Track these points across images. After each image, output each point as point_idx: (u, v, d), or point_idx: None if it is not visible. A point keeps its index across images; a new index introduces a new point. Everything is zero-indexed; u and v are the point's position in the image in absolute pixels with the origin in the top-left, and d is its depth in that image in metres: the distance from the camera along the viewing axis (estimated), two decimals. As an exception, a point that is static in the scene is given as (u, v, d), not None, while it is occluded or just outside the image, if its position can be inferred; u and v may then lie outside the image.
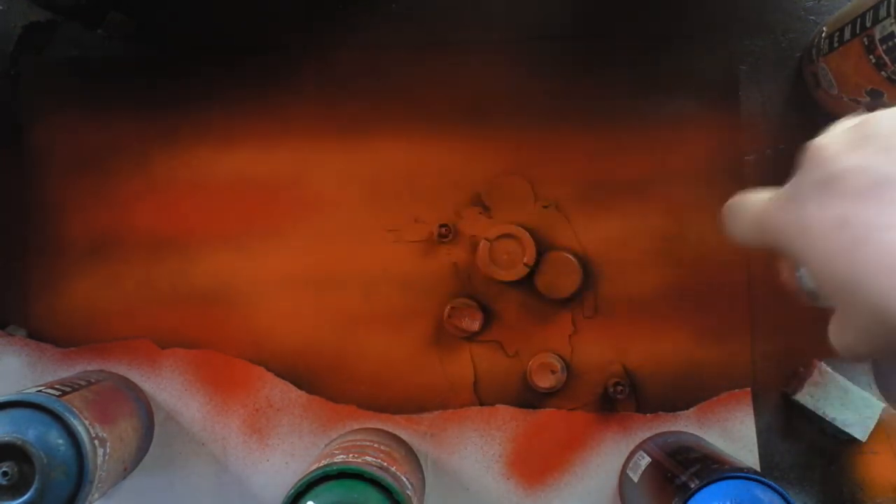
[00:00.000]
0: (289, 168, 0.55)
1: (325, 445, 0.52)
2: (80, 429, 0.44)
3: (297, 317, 0.54)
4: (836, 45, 0.49)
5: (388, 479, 0.42)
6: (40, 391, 0.45)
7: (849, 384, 0.52)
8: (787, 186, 0.28)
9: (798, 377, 0.53)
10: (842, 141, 0.27)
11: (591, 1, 0.55)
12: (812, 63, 0.52)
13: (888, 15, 0.43)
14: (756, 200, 0.30)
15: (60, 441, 0.43)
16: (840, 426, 0.52)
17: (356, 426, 0.53)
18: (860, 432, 0.52)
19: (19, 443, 0.42)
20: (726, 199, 0.33)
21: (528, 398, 0.53)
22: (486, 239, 0.52)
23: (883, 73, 0.45)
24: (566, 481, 0.53)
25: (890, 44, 0.43)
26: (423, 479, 0.51)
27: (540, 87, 0.54)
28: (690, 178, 0.54)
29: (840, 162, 0.26)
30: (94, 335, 0.55)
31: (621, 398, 0.52)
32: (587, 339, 0.54)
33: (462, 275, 0.54)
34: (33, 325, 0.55)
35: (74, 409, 0.44)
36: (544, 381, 0.52)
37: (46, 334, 0.55)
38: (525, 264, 0.52)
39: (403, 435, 0.53)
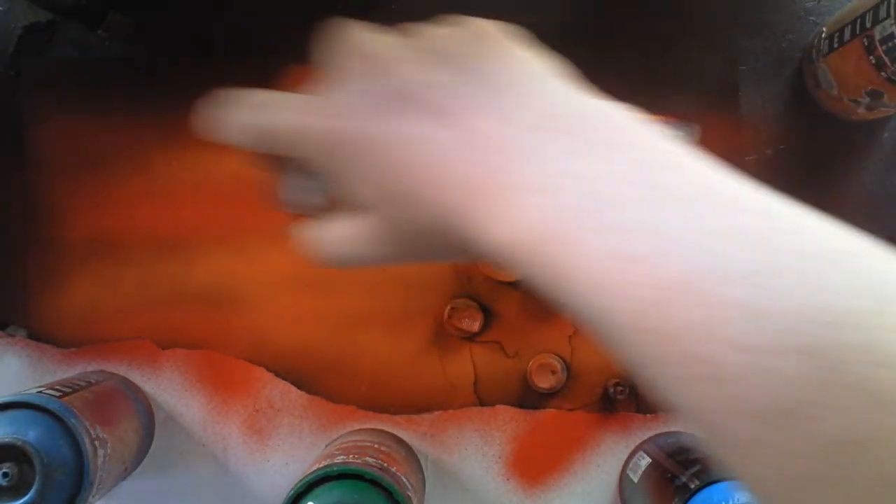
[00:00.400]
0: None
1: (326, 446, 0.52)
2: (81, 430, 0.44)
3: (298, 317, 0.54)
4: (836, 45, 0.49)
5: (389, 480, 0.42)
6: (40, 392, 0.45)
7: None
8: (332, 94, 0.26)
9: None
10: (405, 54, 0.25)
11: (590, 1, 0.55)
12: (812, 63, 0.52)
13: (888, 15, 0.43)
14: (282, 101, 0.27)
15: (61, 442, 0.43)
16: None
17: (356, 427, 0.53)
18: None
19: (19, 444, 0.42)
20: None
21: (528, 398, 0.53)
22: (486, 239, 0.52)
23: (883, 73, 0.45)
24: (566, 482, 0.53)
25: (890, 44, 0.43)
26: (423, 480, 0.51)
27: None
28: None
29: (416, 77, 0.24)
30: (94, 336, 0.55)
31: (621, 398, 0.52)
32: (587, 339, 0.54)
33: (462, 275, 0.54)
34: (33, 326, 0.55)
35: (75, 410, 0.44)
36: (544, 382, 0.52)
37: (47, 335, 0.55)
38: (525, 265, 0.52)
39: (403, 435, 0.53)
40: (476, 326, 0.53)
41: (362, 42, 0.27)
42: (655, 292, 0.18)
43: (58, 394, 0.45)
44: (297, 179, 0.29)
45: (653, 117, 0.28)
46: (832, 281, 0.17)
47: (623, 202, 0.19)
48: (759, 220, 0.19)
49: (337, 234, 0.27)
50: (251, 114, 0.28)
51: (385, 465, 0.44)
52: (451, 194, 0.23)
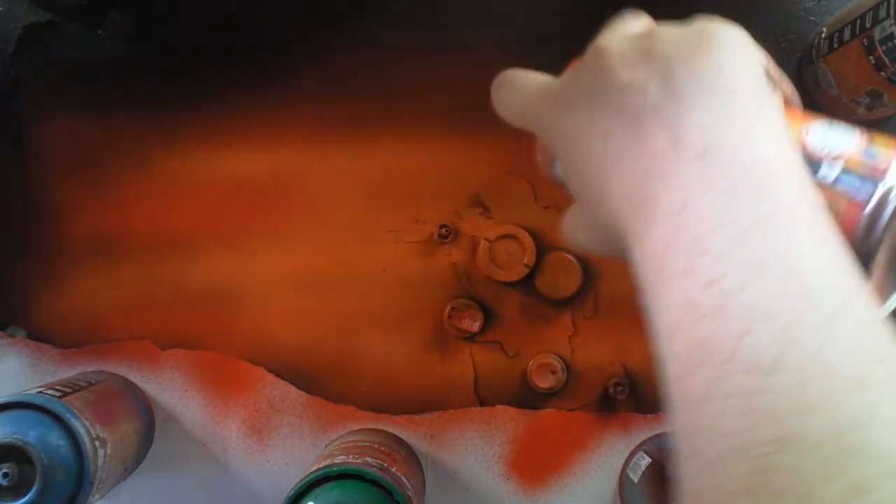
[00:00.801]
0: (289, 168, 0.55)
1: (326, 446, 0.52)
2: (81, 430, 0.44)
3: (298, 317, 0.54)
4: (835, 45, 0.49)
5: (389, 480, 0.42)
6: (41, 392, 0.45)
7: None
8: (562, 80, 0.28)
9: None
10: (625, 51, 0.26)
11: (591, 1, 0.55)
12: (812, 63, 0.52)
13: (888, 16, 0.43)
14: (528, 83, 0.30)
15: (61, 442, 0.43)
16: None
17: (356, 427, 0.53)
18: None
19: (20, 444, 0.42)
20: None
21: (528, 398, 0.53)
22: (486, 239, 0.52)
23: (882, 73, 0.45)
24: (566, 482, 0.53)
25: (889, 44, 0.43)
26: (423, 480, 0.51)
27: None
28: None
29: (618, 75, 0.25)
30: (94, 336, 0.55)
31: (621, 398, 0.52)
32: (587, 339, 0.54)
33: (462, 275, 0.54)
34: (34, 326, 0.55)
35: (75, 410, 0.44)
36: (544, 382, 0.52)
37: (47, 335, 0.55)
38: (525, 265, 0.52)
39: (403, 435, 0.53)
40: (476, 326, 0.53)
41: (605, 35, 0.28)
42: (688, 359, 0.21)
43: (58, 394, 0.45)
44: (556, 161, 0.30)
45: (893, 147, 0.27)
46: None
47: (723, 260, 0.21)
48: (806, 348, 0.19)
49: (567, 220, 0.30)
50: (507, 93, 0.30)
51: (385, 465, 0.44)
52: (618, 203, 0.24)
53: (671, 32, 0.26)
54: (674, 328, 0.22)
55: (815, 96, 0.53)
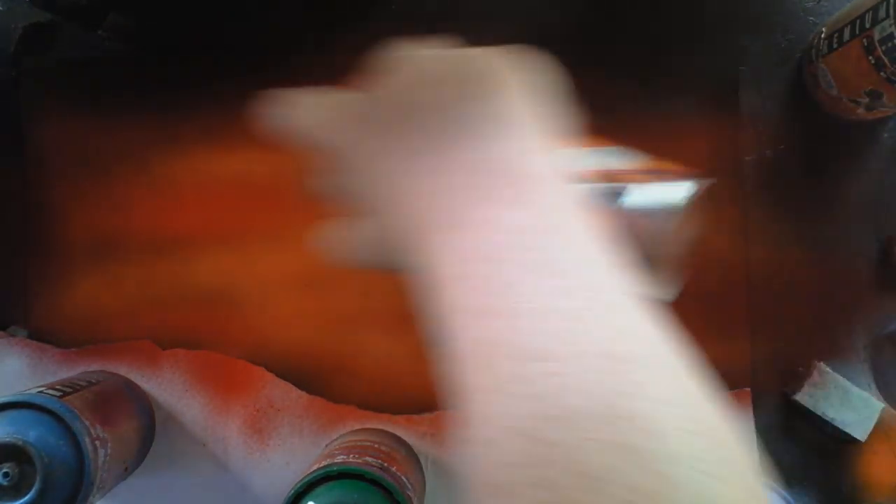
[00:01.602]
0: (289, 168, 0.55)
1: (326, 446, 0.52)
2: (81, 429, 0.44)
3: (298, 317, 0.55)
4: (835, 45, 0.49)
5: (389, 480, 0.42)
6: (41, 392, 0.45)
7: (848, 384, 0.52)
8: (360, 97, 0.29)
9: (798, 377, 0.53)
10: (423, 72, 0.28)
11: (590, 1, 0.55)
12: (812, 64, 0.52)
13: (887, 16, 0.43)
14: (319, 100, 0.31)
15: (61, 442, 0.43)
16: (840, 426, 0.52)
17: (357, 426, 0.53)
18: (860, 432, 0.52)
19: (20, 444, 0.42)
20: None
21: (529, 398, 0.53)
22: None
23: (882, 73, 0.45)
24: (566, 481, 0.53)
25: (889, 45, 0.43)
26: (423, 480, 0.51)
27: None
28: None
29: (416, 95, 0.27)
30: (95, 336, 0.55)
31: (621, 398, 0.52)
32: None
33: (462, 275, 0.54)
34: (34, 326, 0.55)
35: (75, 410, 0.44)
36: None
37: (47, 335, 0.55)
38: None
39: (404, 435, 0.53)
40: (476, 326, 0.53)
41: (402, 59, 0.30)
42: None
43: (58, 394, 0.45)
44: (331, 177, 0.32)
45: (655, 167, 0.31)
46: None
47: (495, 258, 0.23)
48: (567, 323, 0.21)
49: (339, 234, 0.31)
50: (294, 110, 0.32)
51: (385, 464, 0.44)
52: (415, 215, 0.26)
53: (463, 57, 0.29)
54: (455, 331, 0.24)
55: (815, 96, 0.53)
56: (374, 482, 0.42)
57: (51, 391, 0.45)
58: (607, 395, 0.19)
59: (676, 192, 0.33)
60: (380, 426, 0.53)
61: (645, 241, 0.31)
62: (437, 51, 0.30)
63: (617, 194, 0.32)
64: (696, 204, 0.33)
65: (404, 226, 0.27)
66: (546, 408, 0.19)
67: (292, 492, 0.41)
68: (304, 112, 0.31)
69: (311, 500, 0.41)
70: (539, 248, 0.23)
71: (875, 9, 0.44)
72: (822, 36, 0.51)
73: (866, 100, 0.48)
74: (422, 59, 0.29)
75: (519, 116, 0.27)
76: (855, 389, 0.52)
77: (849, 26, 0.47)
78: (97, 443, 0.45)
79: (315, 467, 0.44)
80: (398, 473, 0.44)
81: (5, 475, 0.42)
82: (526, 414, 0.20)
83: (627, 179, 0.32)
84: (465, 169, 0.25)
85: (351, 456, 0.45)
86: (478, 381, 0.22)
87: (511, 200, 0.24)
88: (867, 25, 0.45)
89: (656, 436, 0.19)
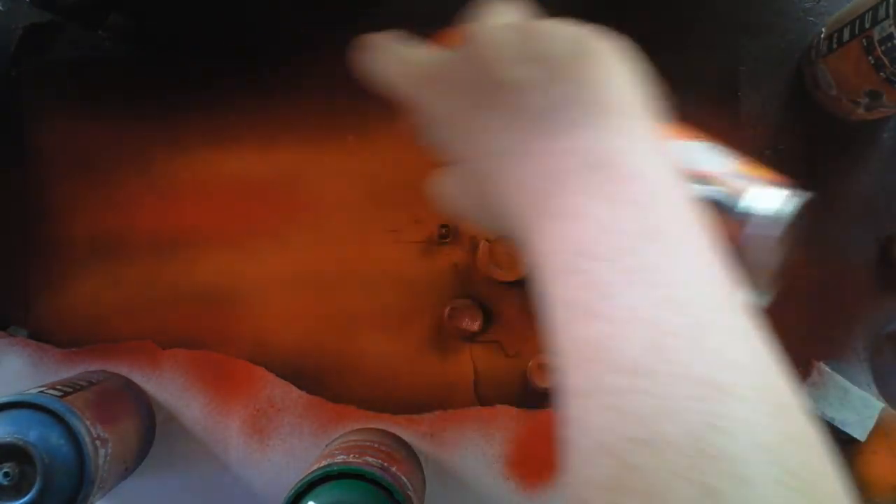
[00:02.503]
0: (289, 168, 0.55)
1: (326, 446, 0.52)
2: (82, 429, 0.44)
3: (298, 317, 0.55)
4: (835, 46, 0.49)
5: (389, 480, 0.42)
6: (42, 392, 0.45)
7: (848, 384, 0.52)
8: (440, 62, 0.29)
9: (797, 377, 0.53)
10: (506, 45, 0.26)
11: (590, 1, 0.55)
12: (811, 64, 0.52)
13: (887, 16, 0.43)
14: (405, 54, 0.31)
15: (62, 441, 0.43)
16: (839, 426, 0.52)
17: (357, 426, 0.53)
18: (859, 432, 0.52)
19: (21, 443, 0.42)
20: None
21: (528, 398, 0.53)
22: (486, 239, 0.52)
23: (882, 73, 0.45)
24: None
25: (888, 45, 0.43)
26: (423, 480, 0.51)
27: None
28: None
29: (501, 72, 0.26)
30: (95, 336, 0.55)
31: (621, 398, 0.53)
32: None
33: (462, 275, 0.54)
34: (35, 326, 0.55)
35: (76, 410, 0.44)
36: (544, 381, 0.52)
37: (48, 335, 0.55)
38: (525, 264, 0.52)
39: (404, 435, 0.53)
40: (476, 326, 0.53)
41: (481, 24, 0.29)
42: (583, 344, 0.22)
43: (59, 393, 0.45)
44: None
45: (759, 173, 0.30)
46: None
47: (606, 266, 0.22)
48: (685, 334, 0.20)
49: (443, 184, 0.31)
50: (383, 60, 0.31)
51: (385, 464, 0.44)
52: (510, 192, 0.26)
53: (554, 33, 0.27)
54: (559, 324, 0.23)
55: (814, 96, 0.53)
56: (374, 482, 0.42)
57: (51, 391, 0.46)
58: (698, 426, 0.18)
59: (781, 199, 0.31)
60: (380, 426, 0.53)
61: (752, 249, 0.30)
62: (528, 22, 0.28)
63: (723, 197, 0.30)
64: (799, 213, 0.32)
65: (502, 199, 0.26)
66: (636, 429, 0.19)
67: (292, 492, 0.41)
68: (394, 62, 0.30)
69: (311, 500, 0.41)
70: (644, 252, 0.22)
71: (875, 9, 0.44)
72: (822, 36, 0.51)
73: (866, 100, 0.48)
74: (515, 31, 0.27)
75: (621, 105, 0.25)
76: (854, 389, 0.52)
77: (848, 27, 0.47)
78: (97, 443, 0.45)
79: (315, 467, 0.44)
80: (398, 473, 0.44)
81: (6, 475, 0.42)
82: (618, 433, 0.19)
83: (724, 181, 0.31)
84: (565, 155, 0.24)
85: (351, 456, 0.45)
86: (576, 383, 0.21)
87: (618, 198, 0.23)
88: (867, 26, 0.45)
89: (745, 484, 0.17)
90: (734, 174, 0.31)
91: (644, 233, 0.22)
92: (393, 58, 0.31)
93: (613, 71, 0.26)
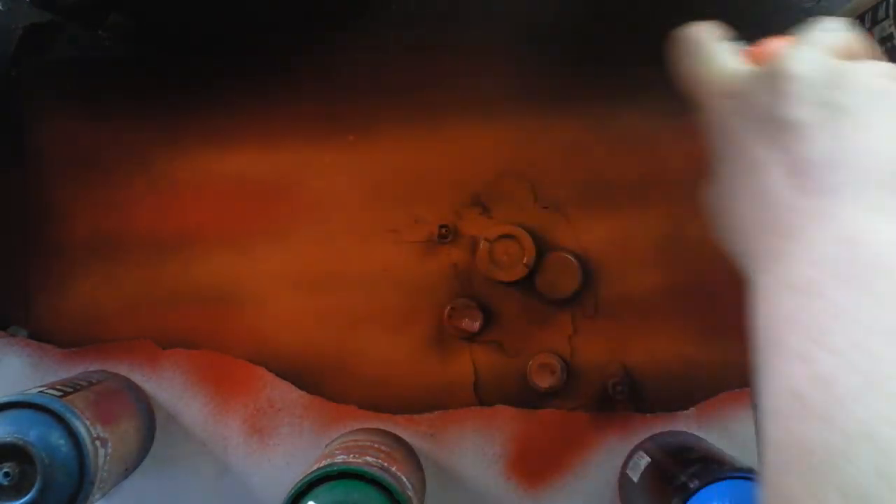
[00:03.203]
0: (289, 168, 0.55)
1: (326, 446, 0.52)
2: (82, 429, 0.44)
3: (298, 317, 0.55)
4: (835, 45, 0.49)
5: (389, 480, 0.42)
6: (42, 392, 0.45)
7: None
8: (743, 78, 0.29)
9: (797, 377, 0.53)
10: (811, 86, 0.26)
11: (589, 2, 0.55)
12: (811, 64, 0.52)
13: (887, 16, 0.43)
14: (713, 62, 0.31)
15: (62, 441, 0.43)
16: (839, 426, 0.52)
17: (357, 426, 0.53)
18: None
19: (21, 443, 0.42)
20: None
21: (528, 398, 0.53)
22: (486, 239, 0.52)
23: (882, 74, 0.45)
24: (566, 481, 0.53)
25: (888, 45, 0.43)
26: (423, 480, 0.51)
27: (540, 88, 0.54)
28: (691, 178, 0.54)
29: (791, 110, 0.26)
30: (95, 336, 0.55)
31: (621, 398, 0.53)
32: (587, 339, 0.54)
33: (462, 275, 0.54)
34: (35, 326, 0.55)
35: (76, 410, 0.44)
36: (544, 381, 0.52)
37: (48, 335, 0.55)
38: (525, 265, 0.52)
39: (404, 435, 0.53)
40: (476, 326, 0.53)
41: (800, 53, 0.28)
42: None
43: (59, 393, 0.45)
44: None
45: None
46: None
47: (842, 361, 0.20)
48: None
49: (711, 196, 0.32)
50: (692, 62, 0.32)
51: (385, 464, 0.44)
52: (747, 223, 0.26)
53: (863, 79, 0.26)
54: (778, 413, 0.21)
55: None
56: (374, 482, 0.42)
57: (51, 391, 0.46)
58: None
59: None
60: (380, 426, 0.53)
61: None
62: (841, 64, 0.27)
63: None
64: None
65: (743, 225, 0.27)
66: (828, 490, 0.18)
67: (292, 491, 0.41)
68: (705, 65, 0.31)
69: (310, 499, 0.41)
70: (880, 355, 0.20)
71: (874, 9, 0.44)
72: (822, 36, 0.51)
73: (866, 100, 0.48)
74: (825, 70, 0.26)
75: (881, 174, 0.24)
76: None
77: (848, 27, 0.47)
78: (97, 442, 0.45)
79: (315, 467, 0.44)
80: (398, 473, 0.44)
81: (6, 475, 0.42)
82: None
83: None
84: (813, 219, 0.23)
85: (351, 456, 0.45)
86: (782, 482, 0.20)
87: (858, 285, 0.22)
88: (866, 26, 0.45)
89: None
90: None
91: (886, 332, 0.20)
92: (705, 60, 0.31)
93: (890, 142, 0.25)
